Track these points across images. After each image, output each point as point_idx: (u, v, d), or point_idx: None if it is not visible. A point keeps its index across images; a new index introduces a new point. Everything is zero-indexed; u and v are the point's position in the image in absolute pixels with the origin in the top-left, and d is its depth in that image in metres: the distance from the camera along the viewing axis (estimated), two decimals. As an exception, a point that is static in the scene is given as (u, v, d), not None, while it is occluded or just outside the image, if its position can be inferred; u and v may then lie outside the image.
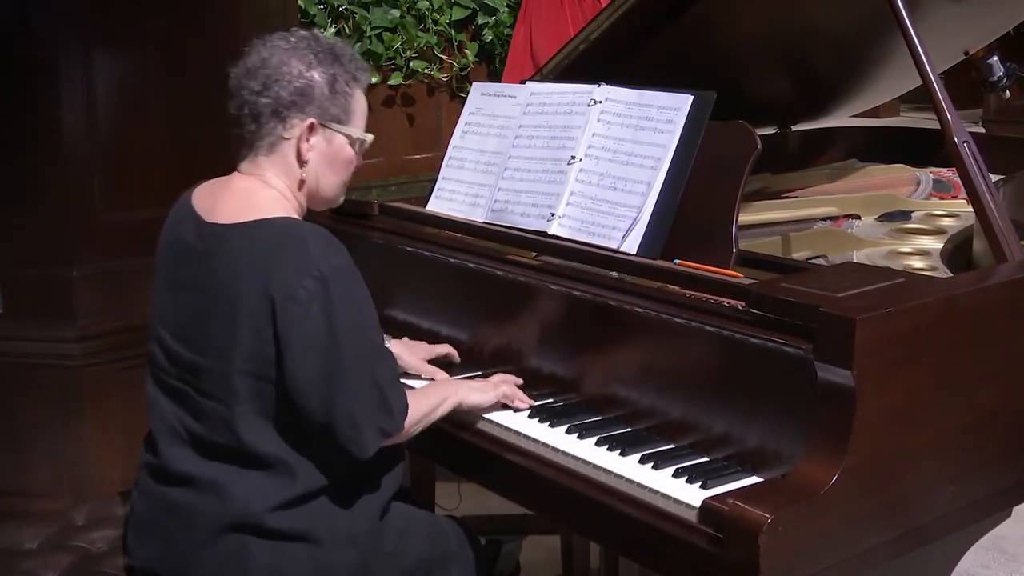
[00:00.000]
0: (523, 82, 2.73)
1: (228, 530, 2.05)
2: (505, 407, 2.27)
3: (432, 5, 4.93)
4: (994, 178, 2.32)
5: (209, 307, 2.07)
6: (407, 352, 2.47)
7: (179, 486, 2.11)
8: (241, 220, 2.09)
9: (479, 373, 2.41)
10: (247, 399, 2.04)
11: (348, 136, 2.19)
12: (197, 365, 2.09)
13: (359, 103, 2.21)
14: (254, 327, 2.02)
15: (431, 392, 2.24)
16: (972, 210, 2.25)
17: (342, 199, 2.29)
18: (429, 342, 2.54)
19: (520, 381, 2.32)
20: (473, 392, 2.25)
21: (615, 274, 2.28)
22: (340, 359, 2.01)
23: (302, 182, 2.18)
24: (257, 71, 2.12)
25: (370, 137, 2.25)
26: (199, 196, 2.20)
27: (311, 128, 2.14)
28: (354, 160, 2.23)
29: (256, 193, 2.15)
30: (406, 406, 2.11)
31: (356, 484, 2.13)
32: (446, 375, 2.42)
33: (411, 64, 4.94)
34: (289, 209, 2.16)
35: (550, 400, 2.29)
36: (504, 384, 2.29)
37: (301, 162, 2.16)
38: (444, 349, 2.50)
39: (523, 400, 2.27)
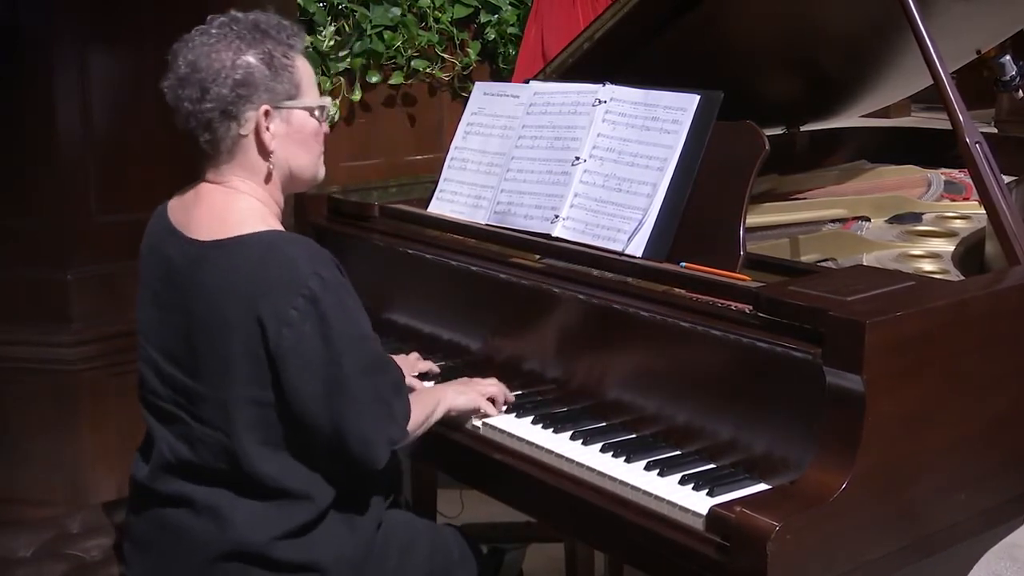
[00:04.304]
0: (527, 81, 2.70)
1: (228, 558, 2.01)
2: (509, 412, 2.26)
3: (434, 3, 4.88)
4: (1007, 179, 2.32)
5: (198, 331, 2.02)
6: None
7: (175, 507, 2.07)
8: (220, 237, 2.02)
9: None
10: (248, 428, 2.00)
11: (306, 108, 2.10)
12: (193, 391, 2.04)
13: (304, 71, 2.10)
14: (248, 350, 1.97)
15: (424, 398, 2.23)
16: (984, 212, 2.24)
17: (323, 172, 2.19)
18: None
19: (501, 387, 2.31)
20: (459, 396, 2.25)
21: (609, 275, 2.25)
22: (342, 375, 1.98)
23: (270, 174, 2.09)
24: (190, 78, 2.02)
25: (328, 101, 2.18)
26: (174, 209, 2.14)
27: (266, 115, 2.04)
28: (320, 131, 2.14)
29: (229, 205, 2.07)
30: (409, 411, 2.11)
31: (357, 501, 2.11)
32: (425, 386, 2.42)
33: (412, 63, 4.89)
34: (267, 216, 2.08)
35: (553, 406, 2.27)
36: (486, 386, 2.29)
37: (267, 153, 2.07)
38: (426, 365, 2.49)
39: (504, 401, 2.28)
